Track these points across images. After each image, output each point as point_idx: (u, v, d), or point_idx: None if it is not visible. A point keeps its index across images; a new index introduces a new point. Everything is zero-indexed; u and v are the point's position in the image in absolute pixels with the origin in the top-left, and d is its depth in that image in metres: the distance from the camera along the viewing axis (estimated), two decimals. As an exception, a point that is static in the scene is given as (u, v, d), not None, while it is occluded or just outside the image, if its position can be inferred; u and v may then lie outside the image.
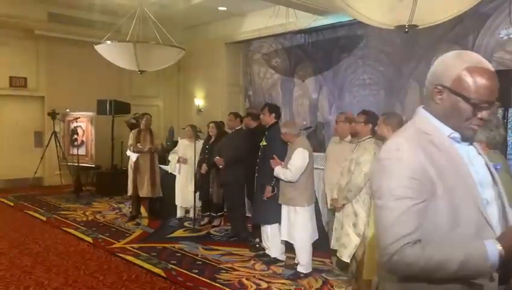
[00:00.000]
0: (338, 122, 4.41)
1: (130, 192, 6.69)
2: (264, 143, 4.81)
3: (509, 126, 5.06)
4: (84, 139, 9.47)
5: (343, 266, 4.19)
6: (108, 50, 6.82)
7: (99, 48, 6.74)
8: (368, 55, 7.93)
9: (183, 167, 6.52)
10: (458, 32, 6.64)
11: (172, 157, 6.76)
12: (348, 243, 3.76)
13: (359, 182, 3.64)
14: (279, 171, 4.37)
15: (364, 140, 3.80)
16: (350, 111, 5.11)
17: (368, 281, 3.52)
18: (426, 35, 6.94)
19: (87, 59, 9.10)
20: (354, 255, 3.77)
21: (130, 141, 6.63)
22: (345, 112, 4.74)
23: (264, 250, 4.92)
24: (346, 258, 3.79)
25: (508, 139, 5.39)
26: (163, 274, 4.41)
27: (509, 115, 4.66)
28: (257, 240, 5.32)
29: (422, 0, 3.55)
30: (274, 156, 4.49)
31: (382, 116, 3.46)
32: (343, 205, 3.82)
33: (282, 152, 4.55)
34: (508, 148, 5.42)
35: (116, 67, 7.45)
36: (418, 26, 3.94)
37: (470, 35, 6.51)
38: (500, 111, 4.56)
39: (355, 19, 4.89)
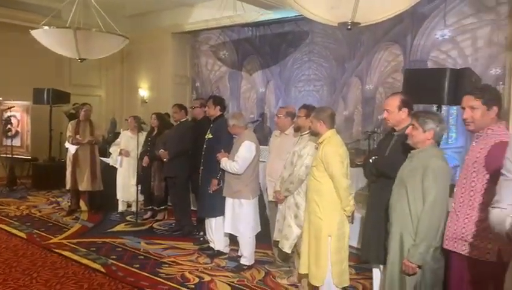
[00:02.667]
0: (279, 117, 4.44)
1: (68, 185, 6.41)
2: (210, 136, 4.77)
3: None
4: (19, 129, 8.93)
5: (284, 257, 4.25)
6: (46, 36, 6.43)
7: (36, 34, 6.34)
8: (313, 51, 8.07)
9: (125, 159, 6.34)
10: (398, 31, 6.92)
11: (113, 149, 6.53)
12: (289, 234, 3.82)
13: (301, 174, 3.70)
14: (225, 163, 4.36)
15: (306, 133, 3.87)
16: (292, 105, 5.18)
17: (303, 275, 3.60)
18: (368, 34, 7.19)
19: (24, 45, 8.50)
20: (295, 245, 3.84)
21: (69, 133, 6.35)
22: (286, 106, 4.78)
23: (208, 243, 4.90)
24: (287, 249, 3.85)
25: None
26: (102, 270, 4.28)
27: (442, 111, 4.91)
28: (201, 233, 5.29)
29: (365, -2, 3.65)
30: (222, 149, 4.46)
31: (313, 112, 3.54)
32: (286, 197, 3.87)
33: (228, 145, 4.54)
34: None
35: (55, 55, 7.05)
36: (360, 23, 4.04)
37: (409, 35, 6.80)
38: (435, 108, 4.79)
39: (301, 15, 4.94)
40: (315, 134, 3.56)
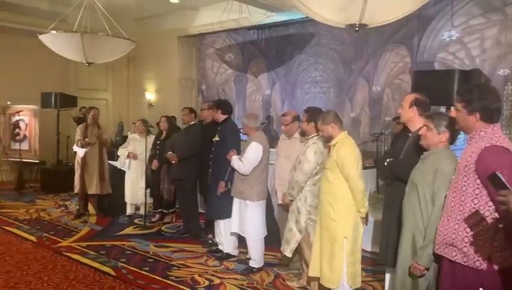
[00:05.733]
0: (286, 125, 4.36)
1: (77, 189, 6.44)
2: (217, 138, 4.78)
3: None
4: (27, 133, 9.00)
5: (288, 260, 4.26)
6: (53, 40, 6.49)
7: (43, 38, 6.40)
8: (319, 53, 8.08)
9: (133, 162, 6.36)
10: (404, 33, 6.91)
11: (121, 152, 6.54)
12: (290, 238, 3.81)
13: (299, 181, 3.70)
14: (234, 161, 4.36)
15: (311, 138, 3.86)
16: (293, 110, 5.14)
17: (313, 278, 3.60)
18: (375, 35, 7.19)
19: (32, 49, 8.57)
20: (296, 249, 3.84)
21: (77, 136, 6.39)
22: (287, 112, 4.61)
23: (217, 246, 4.90)
24: (288, 253, 3.84)
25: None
26: (112, 273, 4.28)
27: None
28: (210, 235, 5.30)
29: (372, 1, 3.65)
30: (233, 149, 4.47)
31: (319, 121, 3.49)
32: (291, 200, 3.87)
33: (236, 147, 4.55)
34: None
35: (62, 59, 7.12)
36: (367, 25, 4.05)
37: (415, 37, 6.80)
38: (443, 109, 4.79)
39: (307, 17, 4.95)
40: (328, 140, 3.47)
